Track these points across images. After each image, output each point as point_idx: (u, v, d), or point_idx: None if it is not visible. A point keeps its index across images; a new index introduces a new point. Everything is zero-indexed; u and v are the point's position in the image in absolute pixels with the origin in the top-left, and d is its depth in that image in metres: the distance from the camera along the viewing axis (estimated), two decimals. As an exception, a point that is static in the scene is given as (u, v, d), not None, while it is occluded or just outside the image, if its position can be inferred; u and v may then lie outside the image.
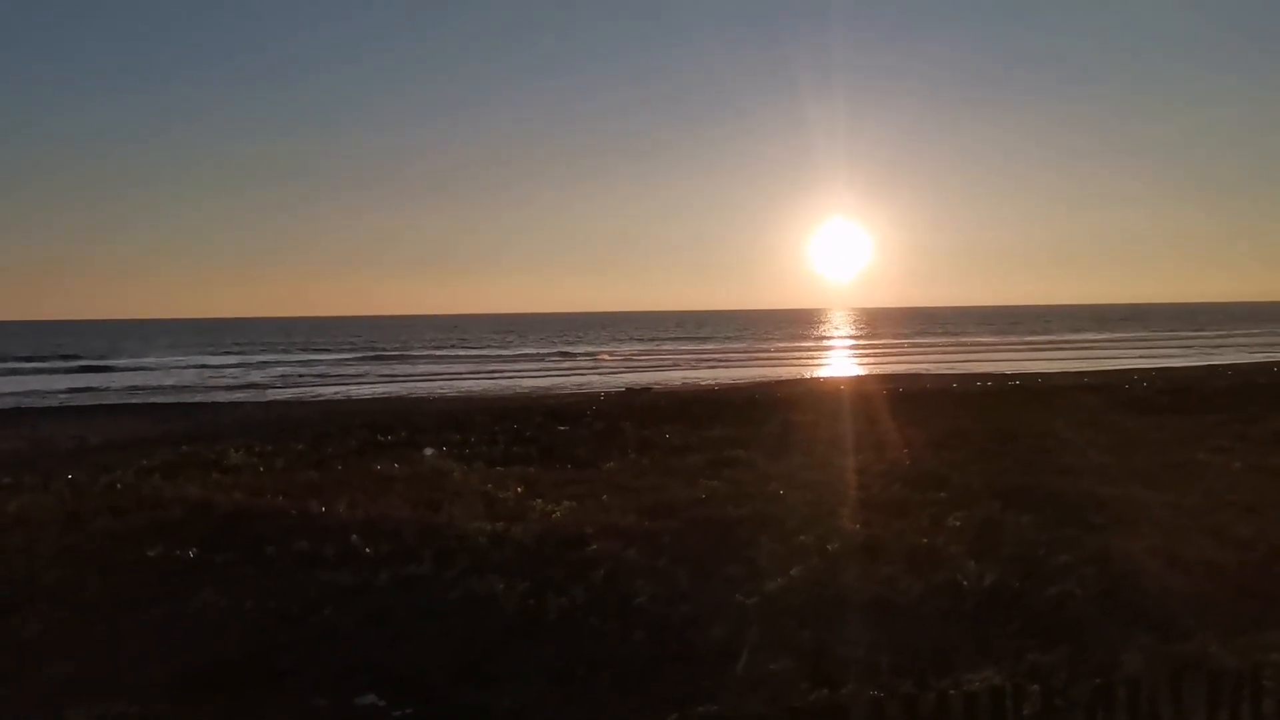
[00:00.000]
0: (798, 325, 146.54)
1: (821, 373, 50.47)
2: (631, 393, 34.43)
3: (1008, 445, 15.99)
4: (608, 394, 34.61)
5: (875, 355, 69.45)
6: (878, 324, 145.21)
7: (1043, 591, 7.52)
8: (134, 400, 38.71)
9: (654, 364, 61.72)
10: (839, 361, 64.09)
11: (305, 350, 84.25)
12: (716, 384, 41.62)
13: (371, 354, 76.44)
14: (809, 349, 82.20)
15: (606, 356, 70.60)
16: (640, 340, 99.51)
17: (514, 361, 67.08)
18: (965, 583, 7.76)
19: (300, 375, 55.08)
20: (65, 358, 72.13)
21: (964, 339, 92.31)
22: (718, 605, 7.47)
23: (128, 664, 6.67)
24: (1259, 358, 52.48)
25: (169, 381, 50.65)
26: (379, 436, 18.73)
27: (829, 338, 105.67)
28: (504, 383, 46.41)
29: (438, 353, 79.04)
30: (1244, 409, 20.54)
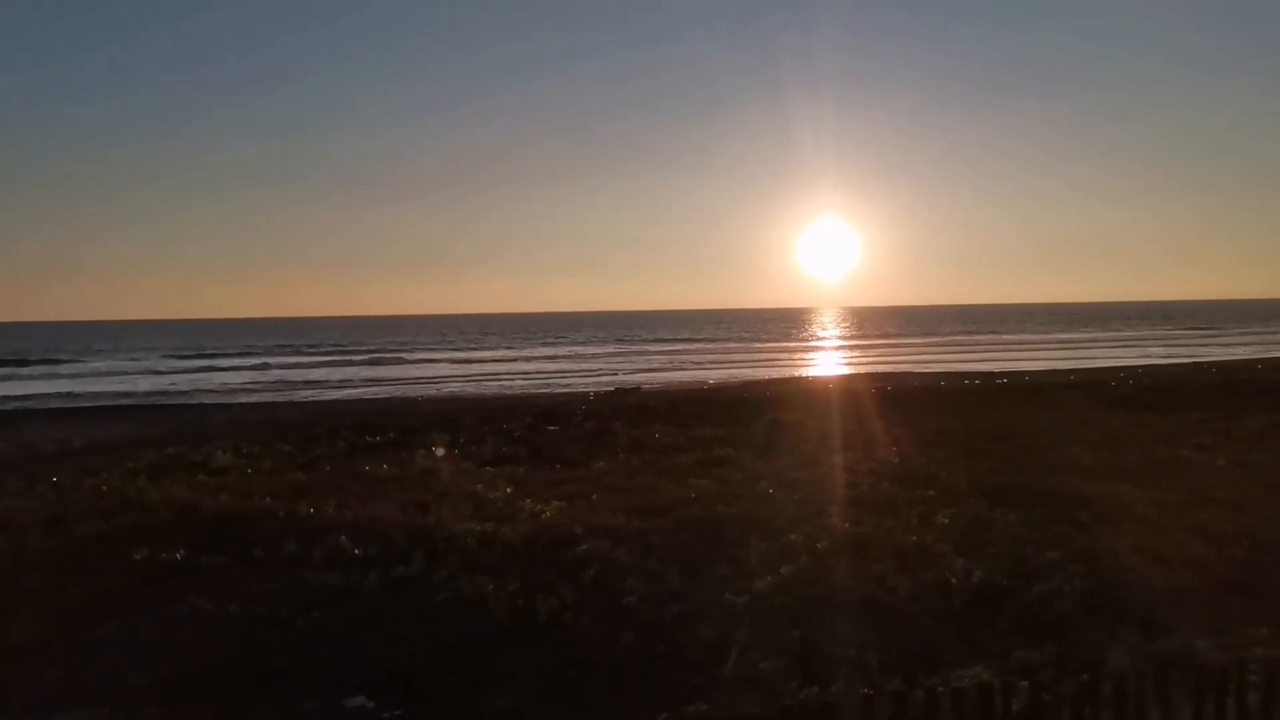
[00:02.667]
0: (786, 324, 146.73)
1: (810, 372, 50.55)
2: (621, 392, 34.40)
3: (995, 443, 16.07)
4: (597, 394, 34.59)
5: (863, 354, 69.62)
6: (866, 323, 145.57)
7: (1030, 589, 7.57)
8: (119, 402, 38.42)
9: (643, 364, 61.70)
10: (827, 360, 64.22)
11: (293, 351, 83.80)
12: (705, 383, 41.67)
13: (361, 355, 76.12)
14: (797, 348, 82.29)
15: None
16: (629, 340, 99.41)
17: (502, 361, 66.97)
18: (953, 580, 7.81)
19: (288, 376, 54.80)
20: (50, 361, 71.55)
21: (951, 337, 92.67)
22: (708, 604, 7.49)
23: (115, 669, 6.64)
24: (1242, 355, 52.94)
25: (154, 383, 50.28)
26: (368, 437, 18.69)
27: (817, 337, 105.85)
28: (493, 383, 46.31)
29: (428, 354, 78.79)
30: (1228, 406, 20.72)
